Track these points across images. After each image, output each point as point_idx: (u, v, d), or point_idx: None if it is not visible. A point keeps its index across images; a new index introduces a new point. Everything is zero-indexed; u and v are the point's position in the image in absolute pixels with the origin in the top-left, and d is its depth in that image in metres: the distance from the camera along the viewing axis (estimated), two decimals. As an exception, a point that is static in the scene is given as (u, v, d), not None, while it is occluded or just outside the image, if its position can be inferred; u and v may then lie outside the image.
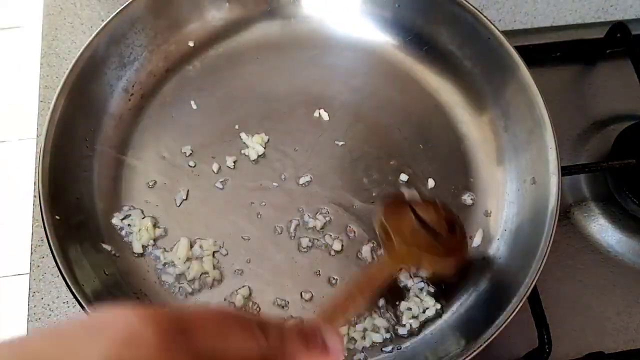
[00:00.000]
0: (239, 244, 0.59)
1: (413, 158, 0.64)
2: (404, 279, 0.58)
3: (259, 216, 0.61)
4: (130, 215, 0.60)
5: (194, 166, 0.63)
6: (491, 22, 0.62)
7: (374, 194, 0.62)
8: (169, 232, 0.60)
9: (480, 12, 0.62)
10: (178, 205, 0.61)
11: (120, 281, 0.57)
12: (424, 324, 0.57)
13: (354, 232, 0.60)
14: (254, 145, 0.63)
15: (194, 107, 0.65)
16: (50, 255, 0.51)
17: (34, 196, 0.62)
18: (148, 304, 0.56)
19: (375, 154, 0.64)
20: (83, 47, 0.59)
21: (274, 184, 0.62)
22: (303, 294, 0.58)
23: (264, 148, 0.63)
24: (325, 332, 0.36)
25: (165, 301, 0.57)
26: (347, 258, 0.60)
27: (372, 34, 0.69)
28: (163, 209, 0.61)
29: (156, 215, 0.60)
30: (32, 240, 0.62)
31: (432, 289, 0.58)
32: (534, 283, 0.52)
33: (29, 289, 0.60)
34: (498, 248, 0.60)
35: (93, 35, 0.60)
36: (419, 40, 0.68)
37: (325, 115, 0.65)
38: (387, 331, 0.56)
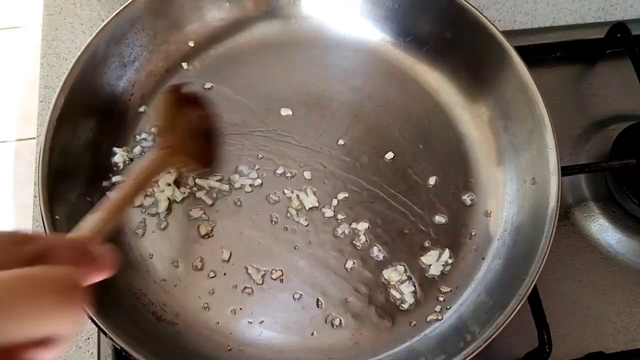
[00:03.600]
0: (238, 240, 0.60)
1: (413, 158, 0.64)
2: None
3: (257, 215, 0.61)
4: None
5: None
6: (491, 22, 0.62)
7: (373, 194, 0.62)
8: (167, 226, 0.60)
9: (480, 12, 0.62)
10: (179, 201, 0.61)
11: (120, 281, 0.56)
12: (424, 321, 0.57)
13: (353, 230, 0.60)
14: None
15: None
16: (50, 255, 0.51)
17: (34, 196, 0.62)
18: (147, 302, 0.56)
19: (375, 154, 0.64)
20: (83, 47, 0.59)
21: (273, 183, 0.62)
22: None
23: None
24: (93, 244, 0.36)
25: (164, 301, 0.57)
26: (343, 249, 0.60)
27: (372, 34, 0.69)
28: (163, 206, 0.61)
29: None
30: (32, 240, 0.62)
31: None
32: (534, 283, 0.52)
33: (29, 289, 0.60)
34: (498, 248, 0.60)
35: (93, 35, 0.60)
36: (419, 40, 0.68)
37: (290, 112, 0.66)
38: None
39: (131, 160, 0.62)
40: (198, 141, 0.59)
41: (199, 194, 0.61)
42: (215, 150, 0.62)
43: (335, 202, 0.62)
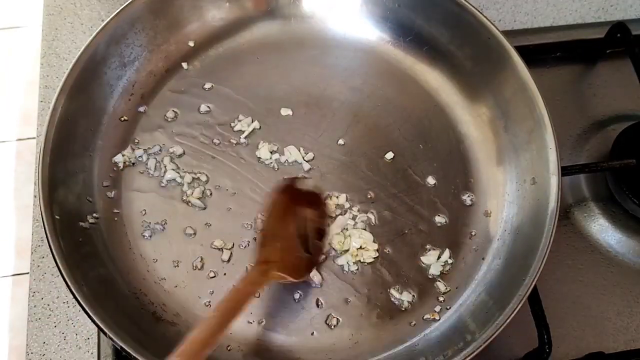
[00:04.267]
0: (238, 241, 0.60)
1: (413, 158, 0.64)
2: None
3: (257, 216, 0.61)
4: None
5: (195, 166, 0.63)
6: (491, 22, 0.62)
7: (373, 195, 0.62)
8: (167, 227, 0.60)
9: (480, 12, 0.62)
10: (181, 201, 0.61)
11: (120, 281, 0.57)
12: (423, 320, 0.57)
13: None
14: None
15: (194, 107, 0.65)
16: (50, 255, 0.51)
17: (34, 196, 0.62)
18: (147, 302, 0.56)
19: (375, 154, 0.64)
20: (83, 47, 0.59)
21: (274, 183, 0.62)
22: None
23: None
24: None
25: (164, 301, 0.57)
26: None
27: (372, 34, 0.69)
28: (163, 207, 0.61)
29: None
30: (32, 240, 0.62)
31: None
32: (534, 283, 0.52)
33: (29, 289, 0.60)
34: (498, 248, 0.60)
35: (93, 35, 0.60)
36: (419, 40, 0.68)
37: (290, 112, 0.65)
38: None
39: (131, 161, 0.62)
40: (299, 249, 0.53)
41: (196, 197, 0.61)
42: (314, 259, 0.56)
43: (335, 201, 0.62)
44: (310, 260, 0.56)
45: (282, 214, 0.54)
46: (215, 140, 0.64)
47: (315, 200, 0.58)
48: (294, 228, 0.54)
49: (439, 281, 0.59)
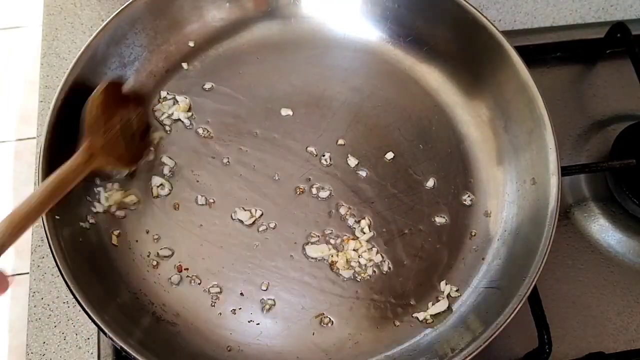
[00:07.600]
0: (238, 240, 0.60)
1: (413, 158, 0.64)
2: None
3: (257, 218, 0.61)
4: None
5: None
6: (491, 22, 0.62)
7: (373, 195, 0.62)
8: (169, 227, 0.60)
9: (480, 12, 0.62)
10: (177, 209, 0.61)
11: (120, 281, 0.57)
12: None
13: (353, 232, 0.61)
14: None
15: (194, 107, 0.65)
16: (50, 255, 0.51)
17: (34, 196, 0.62)
18: (147, 302, 0.56)
19: (375, 154, 0.64)
20: (83, 47, 0.59)
21: (274, 184, 0.62)
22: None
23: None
24: None
25: (164, 301, 0.57)
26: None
27: (372, 34, 0.69)
28: (162, 207, 0.61)
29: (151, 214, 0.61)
30: (32, 240, 0.62)
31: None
32: (534, 283, 0.52)
33: (29, 289, 0.60)
34: (498, 248, 0.60)
35: (93, 35, 0.60)
36: (419, 41, 0.68)
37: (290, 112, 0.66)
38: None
39: None
40: (125, 142, 0.59)
41: (200, 198, 0.61)
42: (140, 150, 0.61)
43: (335, 202, 0.62)
44: (134, 154, 0.60)
45: (108, 109, 0.57)
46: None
47: (138, 100, 0.62)
48: (118, 123, 0.58)
49: (439, 281, 0.59)
